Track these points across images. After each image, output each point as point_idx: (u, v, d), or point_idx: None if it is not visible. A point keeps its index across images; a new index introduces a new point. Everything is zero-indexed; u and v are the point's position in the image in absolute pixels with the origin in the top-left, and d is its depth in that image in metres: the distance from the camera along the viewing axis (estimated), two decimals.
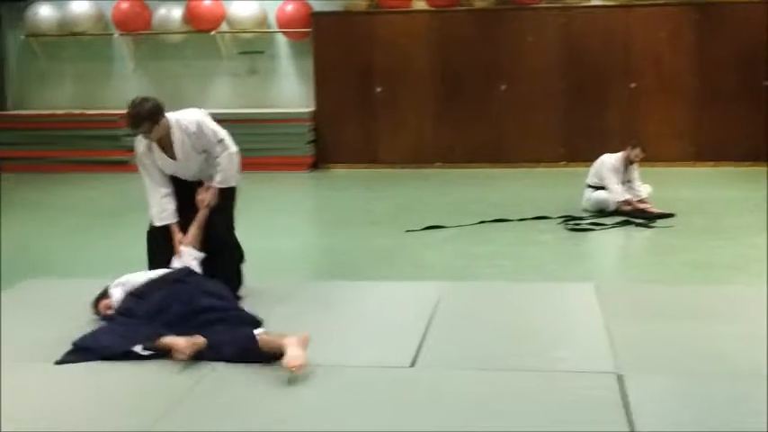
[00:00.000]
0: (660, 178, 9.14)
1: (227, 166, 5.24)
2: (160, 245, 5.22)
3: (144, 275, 4.87)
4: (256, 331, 4.18)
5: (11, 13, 12.37)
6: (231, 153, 5.26)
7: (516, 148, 11.39)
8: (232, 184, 5.32)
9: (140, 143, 5.21)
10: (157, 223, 5.24)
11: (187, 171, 5.27)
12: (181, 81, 12.21)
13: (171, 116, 5.15)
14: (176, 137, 5.14)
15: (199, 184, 5.31)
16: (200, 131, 5.16)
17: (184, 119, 5.17)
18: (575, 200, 8.43)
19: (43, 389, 4.00)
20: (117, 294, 4.73)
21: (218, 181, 5.25)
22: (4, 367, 4.18)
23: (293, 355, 3.92)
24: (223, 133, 5.26)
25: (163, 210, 5.22)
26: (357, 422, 3.55)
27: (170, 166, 5.23)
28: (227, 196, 5.34)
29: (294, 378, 3.91)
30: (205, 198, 5.24)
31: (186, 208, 5.24)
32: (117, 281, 4.83)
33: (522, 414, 3.59)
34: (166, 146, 5.16)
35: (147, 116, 4.99)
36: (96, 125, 11.81)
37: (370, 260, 6.73)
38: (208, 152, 5.22)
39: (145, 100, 5.09)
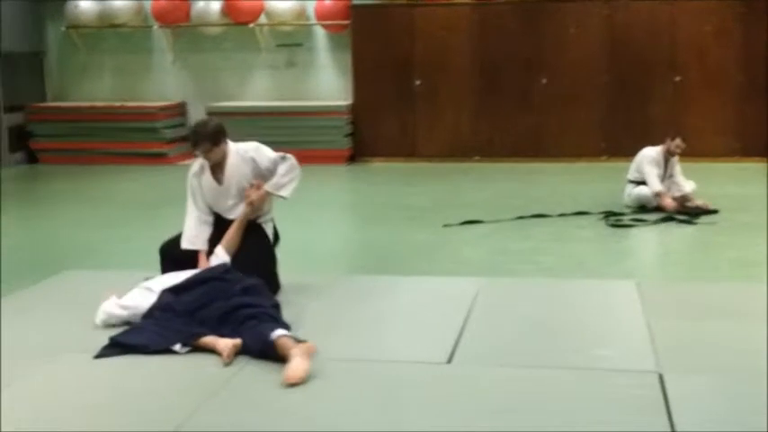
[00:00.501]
0: (704, 174, 8.97)
1: (286, 173, 5.16)
2: (174, 262, 5.07)
3: (170, 278, 4.81)
4: (277, 333, 4.11)
5: (52, 6, 12.47)
6: (293, 164, 5.21)
7: (557, 143, 11.26)
8: (283, 193, 5.19)
9: (196, 163, 5.26)
10: (186, 246, 5.13)
11: (226, 200, 5.20)
12: (219, 73, 12.25)
13: (231, 144, 5.20)
14: (231, 162, 5.16)
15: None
16: (258, 153, 5.17)
17: (243, 146, 5.22)
18: (616, 195, 8.30)
19: (79, 381, 4.00)
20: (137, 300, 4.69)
21: (272, 184, 5.16)
22: (41, 359, 4.20)
23: (294, 367, 3.86)
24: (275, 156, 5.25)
25: (195, 235, 5.15)
26: (392, 419, 3.50)
27: (211, 191, 5.20)
28: (263, 244, 5.24)
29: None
30: (251, 194, 5.14)
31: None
32: (143, 284, 4.77)
33: (560, 412, 3.53)
34: (218, 170, 5.18)
35: (207, 136, 5.06)
36: (135, 117, 11.90)
37: (408, 255, 6.67)
38: (269, 171, 5.16)
39: (209, 121, 5.29)
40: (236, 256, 5.04)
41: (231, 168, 5.15)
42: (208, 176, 5.19)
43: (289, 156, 5.23)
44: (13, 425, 3.49)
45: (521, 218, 7.72)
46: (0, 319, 4.71)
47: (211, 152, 5.08)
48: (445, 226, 7.48)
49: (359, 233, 7.89)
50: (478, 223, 7.56)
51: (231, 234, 5.11)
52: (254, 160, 5.15)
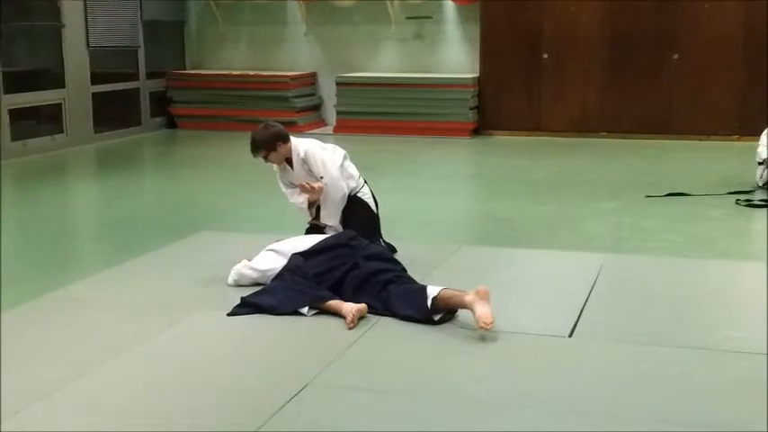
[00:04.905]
0: None
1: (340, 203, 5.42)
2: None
3: (298, 241, 4.99)
4: (435, 287, 4.24)
5: None
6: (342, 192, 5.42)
7: (687, 120, 10.98)
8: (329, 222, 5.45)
9: None
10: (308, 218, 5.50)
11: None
12: (349, 45, 12.42)
13: (293, 140, 5.41)
14: (295, 158, 5.41)
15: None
16: (308, 157, 5.37)
17: (298, 144, 5.41)
18: (748, 175, 8.06)
19: (214, 336, 4.21)
20: (270, 259, 4.88)
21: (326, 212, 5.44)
22: (180, 313, 4.44)
23: (483, 312, 4.02)
24: (331, 172, 5.36)
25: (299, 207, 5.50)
26: (512, 389, 3.56)
27: (290, 175, 5.48)
28: (361, 215, 5.46)
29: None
30: (306, 189, 5.35)
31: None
32: (271, 246, 4.97)
33: (679, 391, 3.53)
34: (288, 162, 5.46)
35: (262, 144, 5.31)
36: (268, 86, 12.18)
37: (532, 227, 6.67)
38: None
39: (268, 127, 5.37)
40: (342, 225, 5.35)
41: (296, 164, 5.42)
42: (287, 167, 5.48)
43: (328, 179, 5.35)
44: (169, 368, 3.73)
45: (731, 194, 7.50)
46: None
47: (268, 157, 5.36)
48: (647, 197, 7.49)
49: (482, 205, 7.93)
50: (684, 196, 7.50)
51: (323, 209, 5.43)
52: (303, 160, 5.37)
